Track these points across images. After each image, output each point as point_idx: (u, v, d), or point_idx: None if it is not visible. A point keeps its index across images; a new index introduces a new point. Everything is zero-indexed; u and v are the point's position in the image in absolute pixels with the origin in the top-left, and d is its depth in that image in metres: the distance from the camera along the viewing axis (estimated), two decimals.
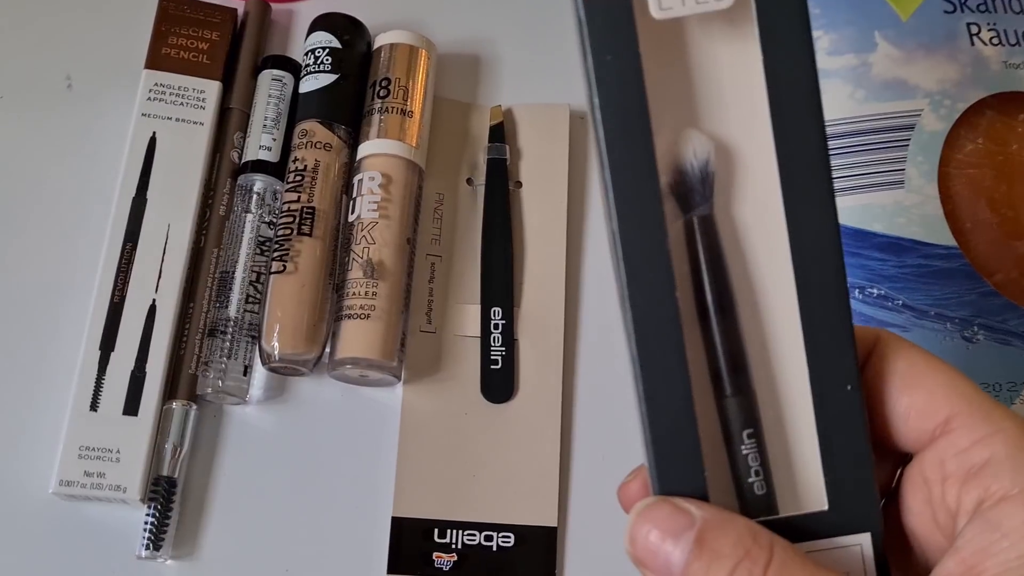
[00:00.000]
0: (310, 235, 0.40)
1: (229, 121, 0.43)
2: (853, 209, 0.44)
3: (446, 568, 0.38)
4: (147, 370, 0.38)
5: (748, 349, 0.24)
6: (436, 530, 0.39)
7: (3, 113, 0.44)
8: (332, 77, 0.42)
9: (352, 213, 0.41)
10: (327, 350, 0.40)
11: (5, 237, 0.42)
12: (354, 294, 0.39)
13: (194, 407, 0.39)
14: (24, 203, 0.42)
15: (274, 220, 0.41)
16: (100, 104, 0.44)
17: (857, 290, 0.42)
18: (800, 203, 0.23)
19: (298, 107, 0.42)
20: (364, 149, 0.42)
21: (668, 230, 0.23)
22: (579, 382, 0.42)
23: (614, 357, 0.42)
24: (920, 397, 0.23)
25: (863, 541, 0.23)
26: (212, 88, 0.42)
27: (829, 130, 0.28)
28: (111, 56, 0.45)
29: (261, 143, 0.42)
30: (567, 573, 0.39)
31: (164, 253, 0.40)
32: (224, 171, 0.42)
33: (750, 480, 0.24)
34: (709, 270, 0.24)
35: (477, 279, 0.43)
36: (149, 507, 0.37)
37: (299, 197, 0.40)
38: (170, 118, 0.42)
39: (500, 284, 0.42)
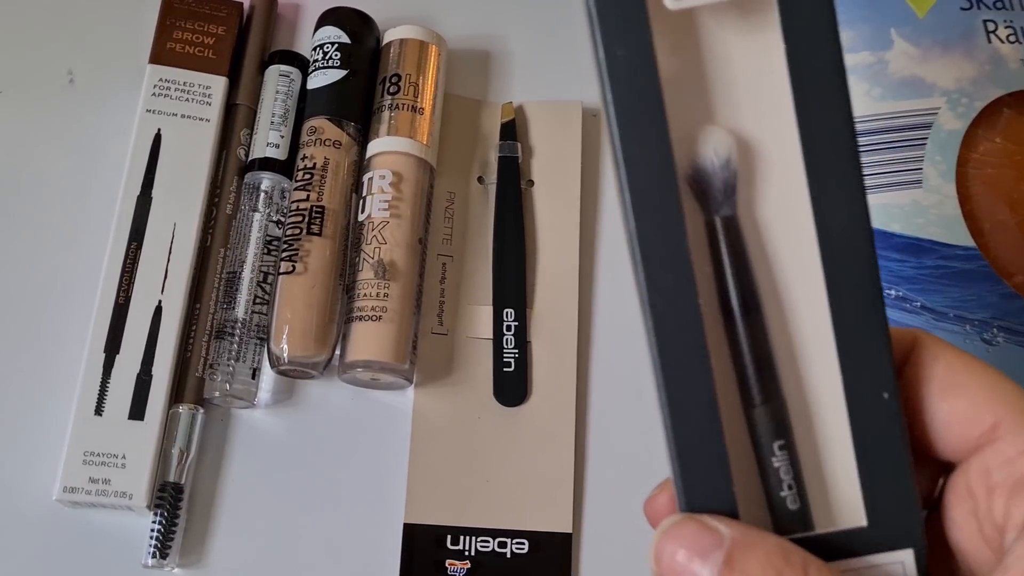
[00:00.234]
0: (320, 235, 0.39)
1: (235, 118, 0.42)
2: (871, 209, 0.43)
3: (459, 575, 0.38)
4: (153, 373, 0.37)
5: (776, 356, 0.23)
6: (449, 537, 0.38)
7: (3, 109, 0.43)
8: (341, 73, 0.41)
9: (362, 212, 0.40)
10: (337, 352, 0.39)
11: (6, 237, 0.41)
12: (365, 295, 0.38)
13: (201, 411, 0.38)
14: (26, 202, 0.41)
15: (282, 219, 0.40)
16: (103, 100, 0.43)
17: None
18: (828, 200, 0.22)
19: (306, 103, 0.42)
20: (374, 147, 0.41)
21: (688, 231, 0.22)
22: (593, 385, 0.41)
23: (629, 359, 0.41)
24: (962, 403, 0.22)
25: (905, 558, 0.22)
26: (218, 84, 0.41)
27: None
28: (114, 50, 0.44)
29: (269, 140, 0.41)
30: None
31: (170, 253, 0.39)
32: (231, 169, 0.41)
33: (782, 494, 0.22)
34: (734, 273, 0.23)
35: (489, 280, 0.42)
36: (155, 514, 0.36)
37: (308, 196, 0.39)
38: (175, 114, 0.41)
39: (513, 285, 0.41)
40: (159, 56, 0.41)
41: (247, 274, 0.39)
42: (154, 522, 0.36)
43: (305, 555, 0.37)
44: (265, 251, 0.40)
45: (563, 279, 0.42)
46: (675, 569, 0.21)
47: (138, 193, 0.40)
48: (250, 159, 0.41)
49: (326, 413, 0.39)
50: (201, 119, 0.41)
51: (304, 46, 0.44)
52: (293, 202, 0.40)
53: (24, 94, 0.43)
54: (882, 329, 0.22)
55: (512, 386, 0.40)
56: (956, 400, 0.22)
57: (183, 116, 0.41)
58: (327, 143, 0.40)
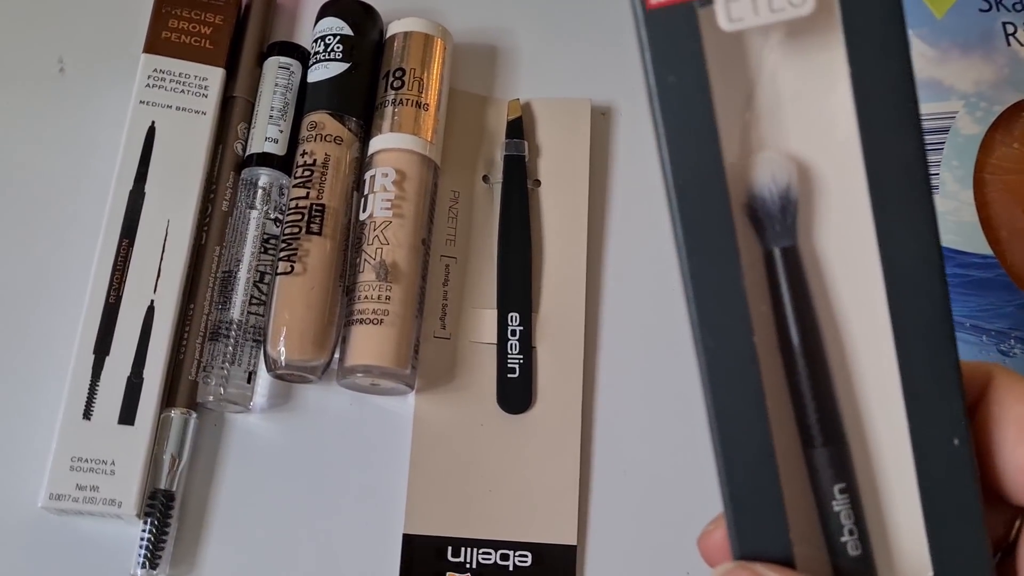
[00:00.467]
0: (319, 234, 0.38)
1: (232, 111, 0.40)
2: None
3: None
4: (144, 376, 0.36)
5: (839, 395, 0.22)
6: (450, 548, 0.37)
7: None
8: (343, 66, 0.40)
9: (364, 211, 0.38)
10: (336, 356, 0.37)
11: None
12: (366, 297, 0.37)
13: (194, 415, 0.37)
14: (13, 196, 0.40)
15: (280, 217, 0.39)
16: (95, 90, 0.41)
17: None
18: (896, 233, 0.21)
19: (306, 97, 0.40)
20: (377, 143, 0.39)
21: (744, 265, 0.21)
22: (600, 392, 0.40)
23: (638, 366, 0.40)
24: None
25: None
26: (215, 75, 0.40)
27: None
28: (107, 39, 0.42)
29: (267, 135, 0.39)
30: None
31: (163, 251, 0.37)
32: (227, 164, 0.40)
33: (843, 539, 0.22)
34: (794, 308, 0.22)
35: (493, 283, 0.40)
36: (145, 522, 0.35)
37: (308, 193, 0.38)
38: (170, 106, 0.39)
39: (518, 288, 0.40)
40: (154, 46, 0.40)
41: (243, 274, 0.38)
42: (144, 531, 0.35)
43: (300, 566, 0.36)
44: (262, 250, 0.38)
45: (570, 283, 0.41)
46: None
47: (130, 188, 0.38)
48: (247, 154, 0.40)
49: (324, 419, 0.38)
50: (197, 112, 0.39)
51: (305, 37, 0.43)
52: (292, 199, 0.38)
53: (12, 84, 0.42)
54: (953, 372, 0.21)
55: (516, 393, 0.39)
56: None
57: (178, 108, 0.39)
58: (328, 139, 0.39)
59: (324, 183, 0.38)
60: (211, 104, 0.40)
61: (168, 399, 0.36)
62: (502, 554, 0.37)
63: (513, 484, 0.38)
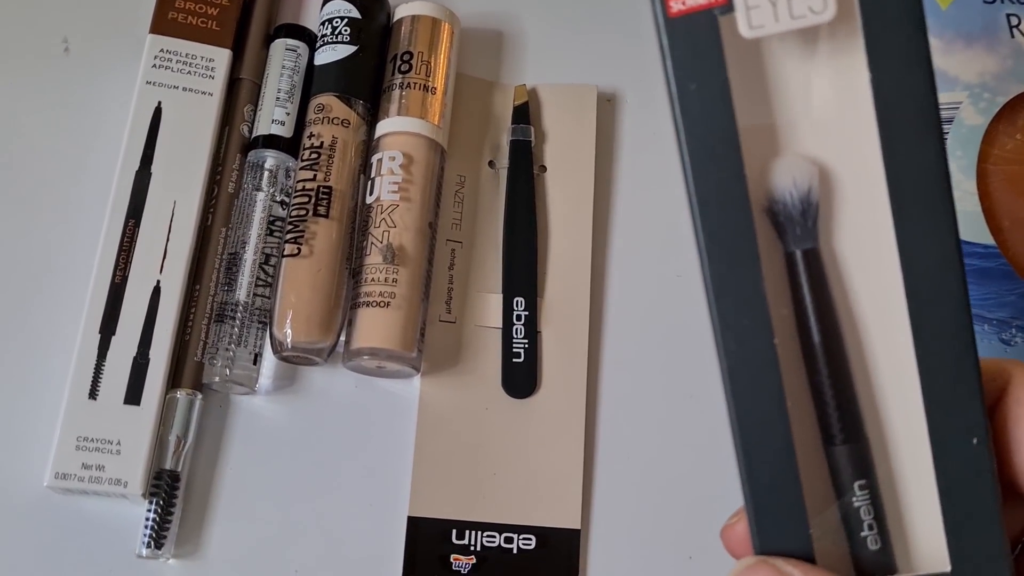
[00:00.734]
0: (326, 216, 0.37)
1: (239, 92, 0.40)
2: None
3: (464, 571, 0.37)
4: (150, 356, 0.36)
5: (860, 394, 0.22)
6: (454, 531, 0.37)
7: None
8: (351, 49, 0.40)
9: (370, 194, 0.38)
10: (342, 339, 0.37)
11: None
12: (373, 280, 0.37)
13: (199, 397, 0.37)
14: (18, 176, 0.40)
15: (286, 199, 0.39)
16: (100, 70, 0.41)
17: None
18: (915, 235, 0.21)
19: (314, 80, 0.40)
20: (384, 126, 0.39)
21: (764, 268, 0.21)
22: (605, 377, 0.40)
23: (642, 351, 0.40)
24: None
25: None
26: (222, 56, 0.40)
27: None
28: (112, 18, 0.42)
29: (274, 117, 0.39)
30: None
31: (169, 231, 0.37)
32: (233, 146, 0.40)
33: (863, 534, 0.22)
34: (815, 309, 0.22)
35: (499, 267, 0.40)
36: (151, 502, 0.35)
37: (315, 176, 0.38)
38: (176, 87, 0.39)
39: (523, 273, 0.40)
40: (160, 26, 0.40)
41: (249, 255, 0.38)
42: (149, 511, 0.35)
43: (305, 548, 0.36)
44: (268, 232, 0.38)
45: (575, 268, 0.41)
46: None
47: (136, 168, 0.38)
48: (254, 136, 0.40)
49: (329, 401, 0.38)
50: (203, 93, 0.39)
51: (312, 20, 0.43)
52: (299, 182, 0.38)
53: (16, 63, 0.41)
54: (973, 372, 0.21)
55: (521, 377, 0.39)
56: None
57: (184, 89, 0.39)
58: (335, 121, 0.39)
59: (331, 166, 0.38)
60: (217, 85, 0.39)
61: (174, 380, 0.36)
62: (506, 537, 0.37)
63: (517, 468, 0.38)
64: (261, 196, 0.39)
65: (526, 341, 0.39)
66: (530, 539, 0.37)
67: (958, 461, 0.21)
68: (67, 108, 0.41)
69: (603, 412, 0.39)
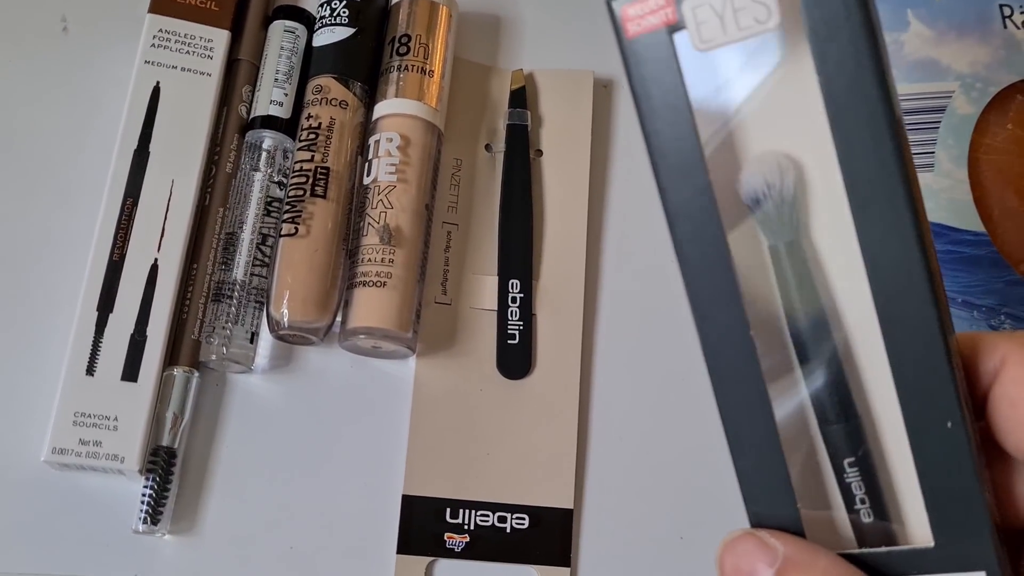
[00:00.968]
0: (324, 197, 0.38)
1: (237, 73, 0.40)
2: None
3: (458, 549, 0.37)
4: (147, 334, 0.36)
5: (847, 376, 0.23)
6: (448, 510, 0.37)
7: None
8: (349, 31, 0.40)
9: (368, 176, 0.39)
10: (338, 319, 0.38)
11: None
12: (369, 260, 0.37)
13: (196, 374, 0.37)
14: (17, 155, 0.40)
15: (284, 180, 0.39)
16: (99, 50, 0.41)
17: None
18: (874, 230, 0.21)
19: (312, 61, 0.40)
20: (381, 108, 0.40)
21: (743, 265, 0.22)
22: (598, 360, 0.40)
23: (635, 334, 0.41)
24: None
25: None
26: (220, 37, 0.40)
27: None
28: None
29: (272, 98, 0.40)
30: (583, 557, 0.37)
31: (167, 211, 0.38)
32: (231, 126, 0.40)
33: (856, 507, 0.23)
34: (800, 297, 0.23)
35: (495, 250, 0.41)
36: (147, 478, 0.35)
37: (312, 156, 0.38)
38: (175, 67, 0.39)
39: (519, 256, 0.41)
40: (159, 6, 0.40)
41: (246, 235, 0.38)
42: (146, 487, 0.35)
43: (300, 525, 0.36)
44: (265, 212, 0.39)
45: (570, 251, 0.41)
46: (736, 574, 0.22)
47: (135, 148, 0.38)
48: (252, 117, 0.40)
49: (325, 381, 0.38)
50: (202, 73, 0.39)
51: (310, 2, 0.43)
52: (297, 162, 0.38)
53: (14, 42, 0.41)
54: (942, 359, 0.21)
55: (516, 359, 0.39)
56: None
57: (183, 69, 0.39)
58: (333, 103, 0.39)
59: (329, 147, 0.38)
60: (216, 66, 0.40)
61: (171, 357, 0.37)
62: (500, 516, 0.37)
63: (511, 448, 0.38)
64: (259, 176, 0.39)
65: (521, 323, 0.40)
66: (523, 518, 0.38)
67: (934, 444, 0.21)
68: (66, 87, 0.41)
69: (596, 394, 0.40)
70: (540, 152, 0.43)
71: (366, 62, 0.40)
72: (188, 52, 0.39)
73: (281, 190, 0.39)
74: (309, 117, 0.39)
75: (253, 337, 0.38)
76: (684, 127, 0.22)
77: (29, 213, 0.39)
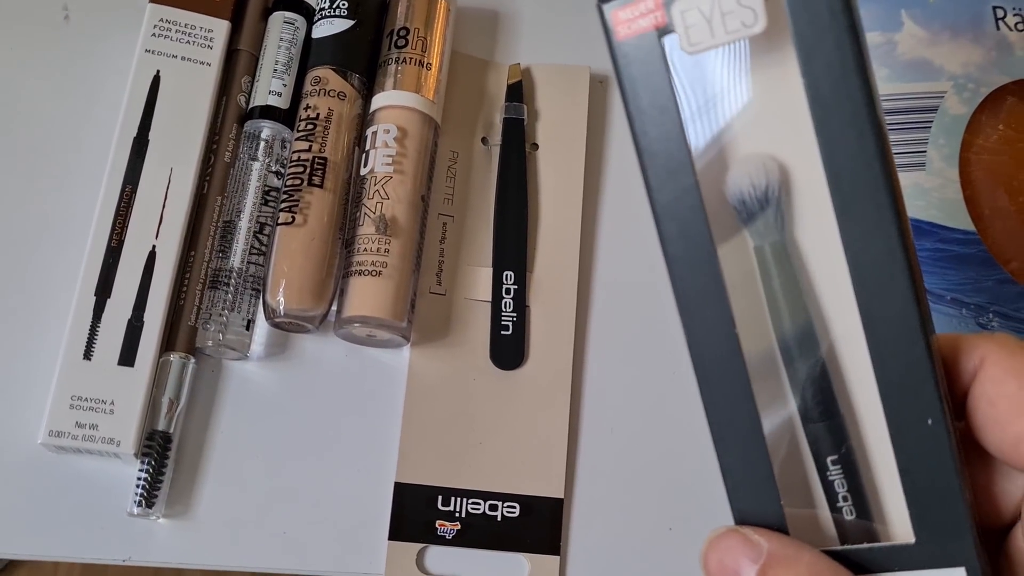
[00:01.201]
0: (321, 187, 0.38)
1: (237, 63, 0.41)
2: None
3: (449, 536, 0.37)
4: (145, 319, 0.36)
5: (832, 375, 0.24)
6: (440, 497, 0.38)
7: None
8: (348, 23, 0.40)
9: (365, 166, 0.39)
10: (334, 308, 0.38)
11: None
12: (365, 250, 0.38)
13: (192, 360, 0.37)
14: (18, 141, 0.40)
15: (281, 170, 0.39)
16: (100, 39, 0.42)
17: None
18: (857, 230, 0.21)
19: (311, 53, 0.41)
20: (379, 100, 0.40)
21: (728, 265, 0.22)
22: (590, 352, 0.41)
23: (627, 328, 0.41)
24: None
25: (957, 575, 0.22)
26: (220, 27, 0.40)
27: None
28: None
29: (271, 88, 0.40)
30: (572, 546, 0.38)
31: (165, 198, 0.38)
32: (230, 116, 0.40)
33: (838, 505, 0.23)
34: (784, 296, 0.23)
35: (490, 242, 0.41)
36: (143, 462, 0.35)
37: (310, 146, 0.39)
38: (175, 56, 0.40)
39: (513, 248, 0.41)
40: None
41: (244, 223, 0.38)
42: (141, 470, 0.35)
43: (293, 511, 0.37)
44: (263, 201, 0.39)
45: (564, 244, 0.42)
46: (721, 571, 0.22)
47: (134, 136, 0.38)
48: (251, 107, 0.40)
49: (320, 368, 0.39)
50: (202, 63, 0.40)
51: None
52: (295, 152, 0.39)
53: (16, 31, 0.42)
54: (924, 357, 0.22)
55: (509, 349, 0.40)
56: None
57: (183, 59, 0.40)
58: (331, 94, 0.39)
59: (326, 137, 0.39)
60: (216, 56, 0.40)
61: (168, 343, 0.37)
62: (491, 504, 0.38)
63: (503, 438, 0.39)
64: (257, 166, 0.39)
65: (514, 314, 0.40)
66: (514, 507, 0.38)
67: (915, 442, 0.22)
68: (67, 75, 0.41)
69: (588, 385, 0.40)
70: (536, 146, 0.43)
71: (364, 54, 0.41)
72: (188, 42, 0.40)
73: (279, 180, 0.39)
74: (307, 108, 0.39)
75: (249, 324, 0.38)
76: (672, 128, 0.22)
77: (29, 199, 0.39)
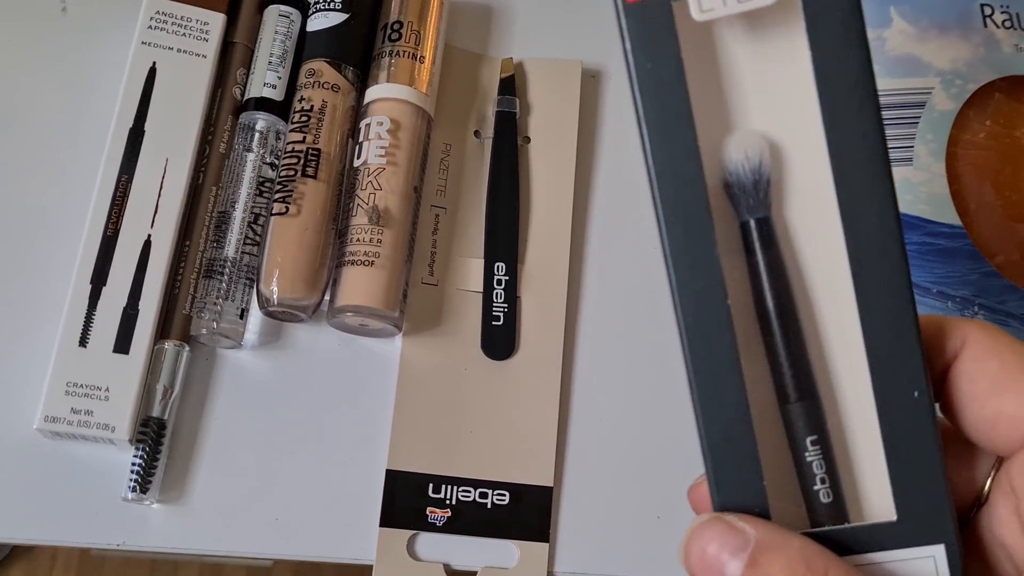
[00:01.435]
0: (314, 177, 0.39)
1: (232, 56, 0.41)
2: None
3: (439, 523, 0.38)
4: (140, 308, 0.37)
5: (810, 355, 0.24)
6: (431, 485, 0.38)
7: None
8: (342, 16, 0.41)
9: (358, 158, 0.39)
10: (327, 298, 0.39)
11: None
12: (358, 240, 0.38)
13: (187, 348, 0.38)
14: (15, 131, 0.41)
15: (276, 161, 0.40)
16: (97, 31, 0.42)
17: None
18: (856, 203, 0.22)
19: (305, 46, 0.41)
20: (373, 93, 0.40)
21: (719, 236, 0.22)
22: (580, 343, 0.41)
23: (617, 319, 0.42)
24: (1010, 402, 0.22)
25: (936, 553, 0.22)
26: (216, 20, 0.41)
27: None
28: None
29: (266, 80, 0.40)
30: (561, 533, 0.38)
31: (161, 188, 0.38)
32: (225, 108, 0.41)
33: (816, 487, 0.23)
34: (768, 274, 0.23)
35: (481, 233, 0.42)
36: (137, 448, 0.36)
37: (304, 138, 0.39)
38: (171, 48, 0.40)
39: (505, 239, 0.42)
40: None
41: (238, 214, 0.39)
42: (136, 456, 0.36)
43: (286, 497, 0.37)
44: (257, 192, 0.39)
45: (555, 236, 0.42)
46: (703, 565, 0.22)
47: (130, 127, 0.39)
48: (246, 99, 0.41)
49: (313, 357, 0.39)
50: (198, 55, 0.40)
51: None
52: (289, 143, 0.39)
53: (14, 23, 0.42)
54: (912, 330, 0.22)
55: (500, 340, 0.40)
56: (1004, 399, 0.22)
57: (179, 51, 0.40)
58: (325, 86, 0.40)
59: (320, 129, 0.39)
60: (211, 48, 0.40)
61: (162, 331, 0.37)
62: (481, 492, 0.38)
63: (494, 427, 0.39)
64: (251, 157, 0.40)
65: (506, 305, 0.41)
66: (504, 495, 0.38)
67: (901, 414, 0.22)
68: (64, 67, 0.42)
69: (578, 376, 0.41)
70: (528, 139, 0.43)
71: (358, 47, 0.41)
72: (184, 34, 0.40)
73: (273, 171, 0.40)
74: (302, 100, 0.40)
75: (243, 313, 0.38)
76: (677, 92, 0.22)
77: (26, 189, 0.40)
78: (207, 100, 0.40)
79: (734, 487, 0.22)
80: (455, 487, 0.38)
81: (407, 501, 0.38)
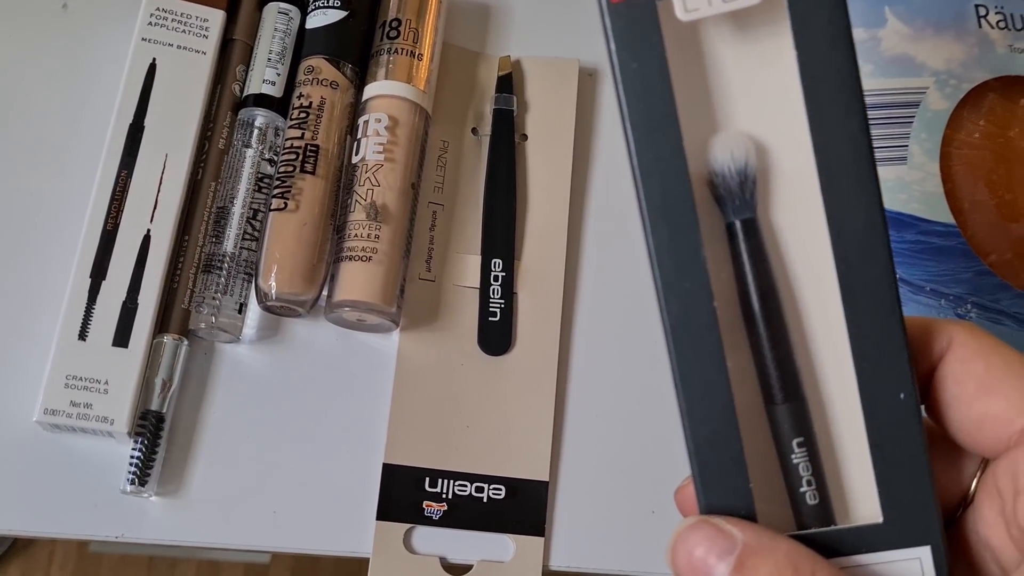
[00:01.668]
0: (313, 173, 0.39)
1: (232, 53, 0.42)
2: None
3: (436, 517, 0.38)
4: (139, 302, 0.37)
5: (796, 356, 0.24)
6: (427, 479, 0.38)
7: None
8: (341, 14, 0.41)
9: (356, 155, 0.40)
10: (325, 293, 0.39)
11: None
12: (356, 236, 0.38)
13: (185, 342, 0.38)
14: (16, 126, 0.41)
15: (274, 157, 0.40)
16: (97, 27, 0.42)
17: None
18: (842, 206, 0.22)
19: (304, 43, 0.41)
20: (371, 90, 0.41)
21: (704, 237, 0.22)
22: (576, 338, 0.41)
23: (613, 316, 0.42)
24: (996, 404, 0.22)
25: (922, 555, 0.22)
26: (216, 17, 0.41)
27: None
28: None
29: (265, 77, 0.41)
30: (556, 528, 0.39)
31: (160, 183, 0.39)
32: (225, 104, 0.41)
33: (802, 489, 0.23)
34: (754, 275, 0.23)
35: (478, 230, 0.42)
36: (136, 441, 0.36)
37: (303, 134, 0.39)
38: (171, 45, 0.40)
39: (502, 236, 0.42)
40: None
41: (237, 209, 0.39)
42: (134, 449, 0.36)
43: (283, 490, 0.38)
44: (256, 188, 0.40)
45: (552, 233, 0.42)
46: (690, 568, 0.22)
47: (130, 122, 0.39)
48: (245, 95, 0.41)
49: (311, 352, 0.40)
50: (197, 51, 0.41)
51: None
52: (288, 140, 0.39)
53: (16, 19, 0.42)
54: (898, 331, 0.22)
55: (496, 335, 0.41)
56: (990, 401, 0.22)
57: (179, 47, 0.40)
58: (324, 83, 0.40)
59: (319, 125, 0.40)
60: (211, 45, 0.41)
61: (161, 325, 0.38)
62: (477, 486, 0.39)
63: (490, 422, 0.40)
64: (250, 153, 0.40)
65: (502, 301, 0.41)
66: (500, 489, 0.39)
67: (887, 415, 0.22)
68: (65, 63, 0.42)
69: (574, 372, 0.41)
70: (525, 137, 0.44)
71: (357, 44, 0.41)
72: (184, 31, 0.41)
73: (272, 167, 0.40)
74: (300, 96, 0.40)
75: (242, 308, 0.39)
76: (662, 92, 0.22)
77: (27, 184, 0.40)
78: (206, 96, 0.40)
79: (720, 489, 0.22)
80: (451, 481, 0.39)
81: (404, 495, 0.38)
